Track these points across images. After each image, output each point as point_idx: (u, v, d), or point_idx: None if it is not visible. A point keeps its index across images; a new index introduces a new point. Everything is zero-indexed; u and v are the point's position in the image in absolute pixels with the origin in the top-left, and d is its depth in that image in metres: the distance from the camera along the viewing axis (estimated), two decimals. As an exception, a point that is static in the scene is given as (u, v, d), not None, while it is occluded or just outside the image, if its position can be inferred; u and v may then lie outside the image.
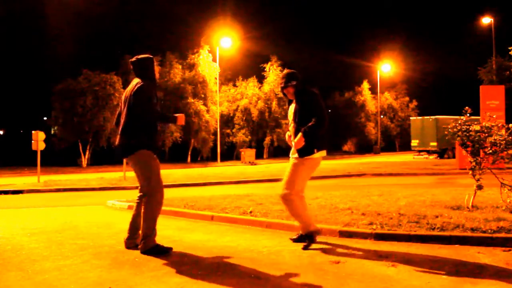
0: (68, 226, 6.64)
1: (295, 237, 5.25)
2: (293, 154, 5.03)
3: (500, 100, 17.13)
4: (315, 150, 4.93)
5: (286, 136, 5.25)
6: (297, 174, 4.94)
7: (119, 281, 3.88)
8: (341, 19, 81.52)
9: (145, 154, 4.86)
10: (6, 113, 44.04)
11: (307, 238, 4.97)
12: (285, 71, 5.28)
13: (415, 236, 5.10)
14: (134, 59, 5.09)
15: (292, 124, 5.05)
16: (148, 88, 4.87)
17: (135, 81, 4.99)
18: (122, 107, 5.02)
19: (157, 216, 4.90)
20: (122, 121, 4.95)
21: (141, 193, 5.04)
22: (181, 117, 5.12)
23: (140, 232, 4.95)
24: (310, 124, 4.83)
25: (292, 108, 5.12)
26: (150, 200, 4.85)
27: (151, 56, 5.14)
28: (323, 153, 5.05)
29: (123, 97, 5.07)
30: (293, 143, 4.99)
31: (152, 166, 4.89)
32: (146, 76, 4.98)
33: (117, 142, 5.02)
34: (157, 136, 5.06)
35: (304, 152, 4.91)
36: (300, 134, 4.86)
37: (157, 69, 5.19)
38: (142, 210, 4.86)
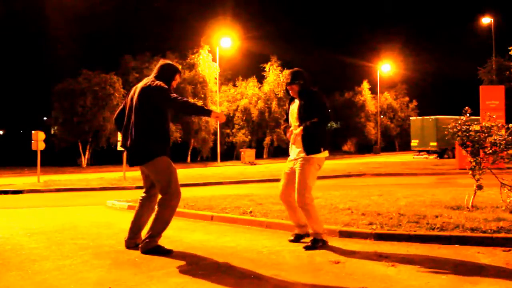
0: (68, 226, 6.64)
1: (292, 237, 5.25)
2: (299, 154, 5.00)
3: (500, 100, 17.13)
4: (322, 149, 4.95)
5: (285, 131, 5.24)
6: (308, 174, 4.92)
7: (119, 281, 3.88)
8: (341, 19, 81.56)
9: (163, 160, 4.77)
10: (6, 113, 44.01)
11: (315, 241, 4.92)
12: (294, 68, 5.26)
13: (415, 236, 5.10)
14: (165, 62, 5.02)
15: (297, 123, 5.05)
16: (165, 87, 4.74)
17: (149, 79, 4.88)
18: (128, 104, 4.88)
19: (170, 221, 4.84)
20: (132, 121, 4.78)
21: (145, 194, 5.02)
22: (219, 114, 4.85)
23: (142, 232, 4.94)
24: (313, 120, 4.86)
25: (295, 106, 5.12)
26: (167, 204, 4.77)
27: (175, 66, 5.06)
28: (327, 153, 5.07)
29: (132, 94, 4.90)
30: (292, 141, 5.03)
31: (172, 172, 4.80)
32: (163, 79, 4.87)
33: (128, 144, 4.82)
34: (169, 140, 4.95)
35: (311, 150, 4.92)
36: (300, 128, 4.89)
37: (174, 83, 5.01)
38: (156, 211, 4.80)
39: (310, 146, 4.93)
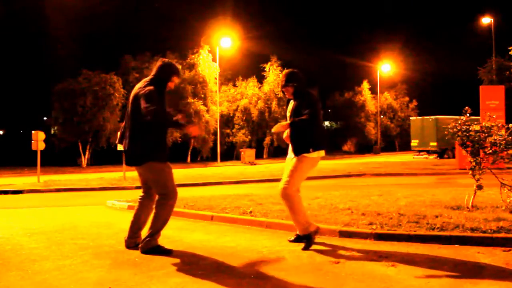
0: (68, 226, 6.64)
1: (292, 238, 5.26)
2: (291, 154, 5.07)
3: (500, 100, 17.13)
4: (311, 150, 4.95)
5: (274, 129, 5.26)
6: (296, 171, 4.94)
7: (119, 281, 3.88)
8: (341, 19, 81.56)
9: (157, 162, 4.78)
10: (6, 113, 44.00)
11: (305, 239, 4.95)
12: (288, 70, 5.28)
13: (415, 236, 5.11)
14: (163, 63, 4.97)
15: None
16: (154, 92, 4.71)
17: (144, 81, 4.91)
18: (129, 108, 4.94)
19: (168, 220, 4.87)
20: (128, 124, 4.87)
21: (144, 194, 5.04)
22: (194, 128, 4.93)
23: (142, 232, 4.95)
24: (301, 118, 4.87)
25: (291, 107, 5.16)
26: (165, 204, 4.80)
27: (174, 66, 5.00)
28: (321, 153, 5.06)
29: (131, 96, 4.95)
30: (276, 130, 5.06)
31: (167, 173, 4.83)
32: (158, 80, 4.86)
33: (124, 147, 4.90)
34: (166, 143, 4.95)
35: (299, 150, 4.94)
36: (287, 122, 4.93)
37: (171, 85, 4.97)
38: (154, 211, 4.83)
39: (298, 146, 4.95)
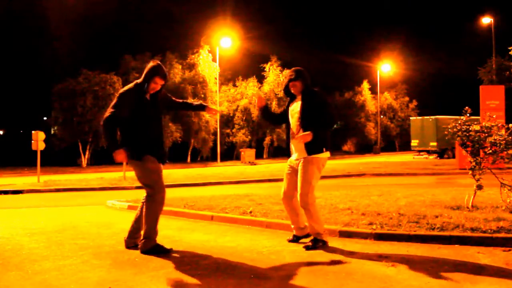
0: (68, 226, 6.64)
1: (291, 238, 5.25)
2: (300, 155, 4.96)
3: (500, 100, 17.14)
4: (324, 149, 4.94)
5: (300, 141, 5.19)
6: (311, 175, 4.89)
7: (119, 281, 3.88)
8: (341, 19, 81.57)
9: (141, 160, 4.82)
10: (6, 113, 43.99)
11: (313, 240, 4.92)
12: (295, 67, 5.19)
13: (415, 236, 5.10)
14: (149, 64, 4.99)
15: (298, 123, 4.99)
16: (124, 96, 4.80)
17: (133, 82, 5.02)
18: None
19: (158, 217, 4.89)
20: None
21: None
22: (210, 109, 5.53)
23: (142, 232, 4.95)
24: (320, 123, 4.83)
25: (297, 106, 5.03)
26: (152, 201, 4.84)
27: (157, 67, 4.94)
28: (328, 154, 5.05)
29: None
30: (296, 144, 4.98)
31: (152, 170, 4.85)
32: (143, 81, 4.91)
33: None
34: (143, 141, 4.87)
35: (313, 150, 4.88)
36: (309, 132, 4.77)
37: (155, 86, 4.92)
38: (144, 208, 4.86)
39: (312, 146, 4.87)
